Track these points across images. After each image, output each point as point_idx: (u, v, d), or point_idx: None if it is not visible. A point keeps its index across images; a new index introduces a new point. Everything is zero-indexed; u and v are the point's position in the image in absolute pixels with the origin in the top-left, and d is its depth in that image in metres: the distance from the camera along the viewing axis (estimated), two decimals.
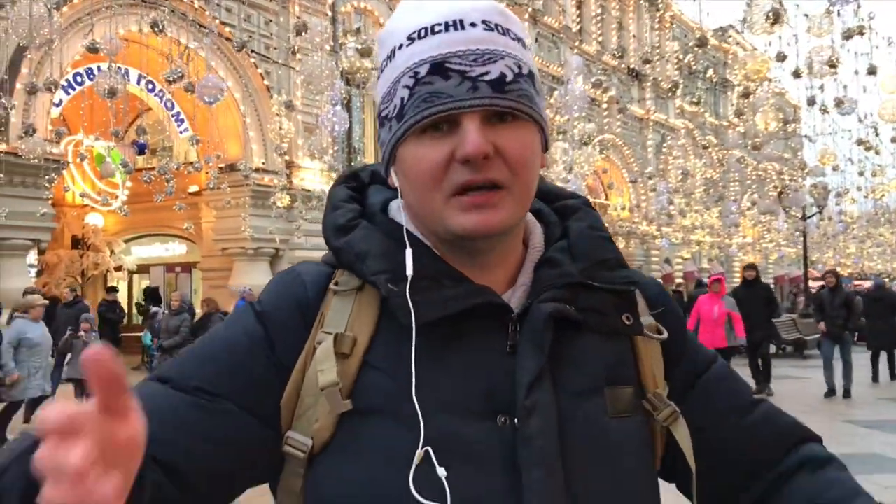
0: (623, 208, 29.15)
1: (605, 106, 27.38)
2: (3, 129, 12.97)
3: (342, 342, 0.91)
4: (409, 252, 0.91)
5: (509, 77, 0.88)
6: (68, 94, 16.70)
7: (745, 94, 12.91)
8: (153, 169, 15.86)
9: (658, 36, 34.29)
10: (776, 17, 8.31)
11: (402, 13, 0.95)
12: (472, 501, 0.84)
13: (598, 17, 31.19)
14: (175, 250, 22.83)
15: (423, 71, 0.88)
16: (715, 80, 35.10)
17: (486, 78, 0.87)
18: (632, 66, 30.69)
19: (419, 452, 0.83)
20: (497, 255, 0.96)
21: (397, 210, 1.00)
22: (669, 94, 18.36)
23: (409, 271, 0.90)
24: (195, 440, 0.86)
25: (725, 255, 38.88)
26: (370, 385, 0.89)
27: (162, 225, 21.42)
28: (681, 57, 31.26)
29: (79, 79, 16.75)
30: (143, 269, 22.81)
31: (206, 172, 15.86)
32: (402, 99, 0.90)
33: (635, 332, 0.98)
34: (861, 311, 12.97)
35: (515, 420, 0.87)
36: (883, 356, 14.02)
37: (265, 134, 18.68)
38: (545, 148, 0.97)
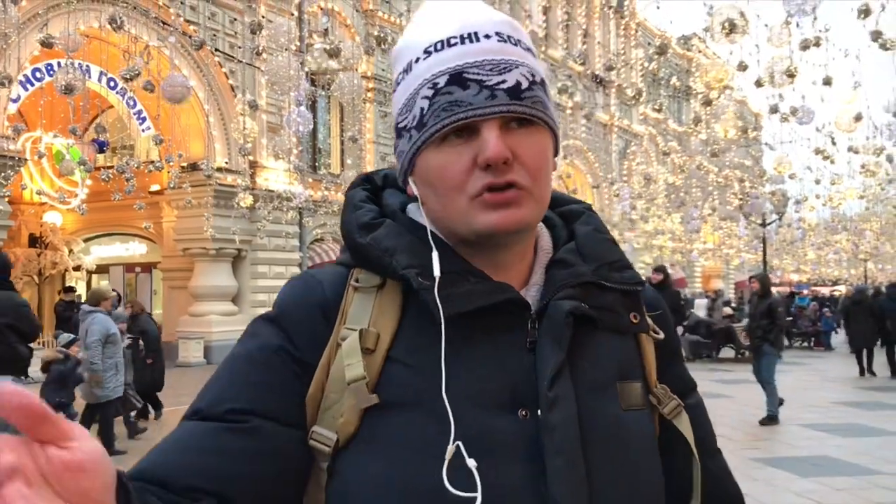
0: None
1: (569, 111, 27.59)
2: None
3: (367, 338, 0.93)
4: (435, 254, 0.94)
5: (524, 84, 0.92)
6: (26, 89, 16.38)
7: (707, 102, 13.09)
8: (113, 167, 15.61)
9: (623, 43, 34.63)
10: (732, 27, 8.46)
11: (417, 28, 0.99)
12: (501, 492, 0.86)
13: (564, 23, 31.43)
14: (135, 250, 22.50)
15: (441, 81, 0.92)
16: (678, 88, 35.54)
17: (503, 86, 0.91)
18: (596, 73, 30.95)
19: (451, 447, 0.85)
20: (514, 256, 1.00)
21: (416, 212, 1.03)
22: (633, 102, 18.56)
23: (436, 265, 0.93)
24: (238, 464, 0.89)
25: (687, 261, 39.37)
26: (395, 380, 0.92)
27: (122, 224, 21.10)
28: (645, 64, 31.61)
29: (38, 74, 16.44)
30: (102, 269, 22.44)
31: (168, 171, 15.67)
32: (422, 109, 0.93)
33: (643, 330, 1.04)
34: (781, 322, 10.83)
35: (538, 412, 0.91)
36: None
37: (229, 133, 18.49)
38: (556, 153, 1.01)
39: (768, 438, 9.21)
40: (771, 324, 10.41)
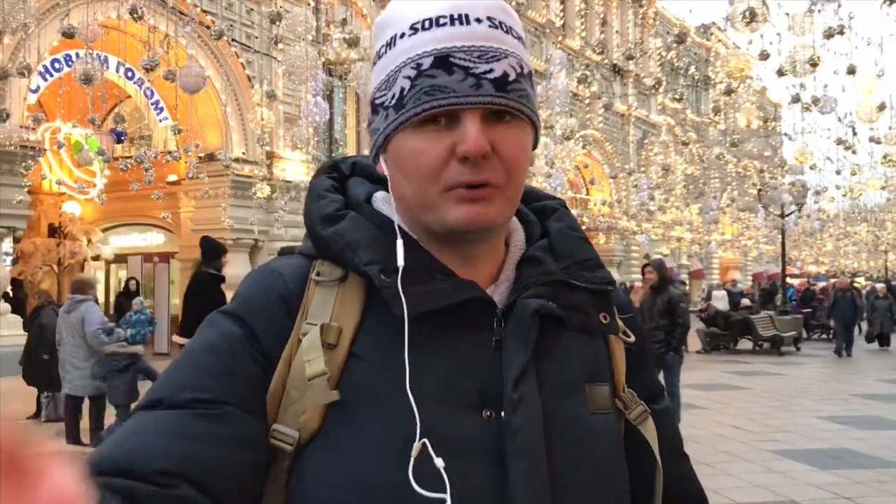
0: (604, 203, 29.22)
1: (587, 101, 27.45)
2: None
3: (329, 332, 0.90)
4: (399, 243, 0.91)
5: (512, 76, 0.89)
6: (46, 80, 16.50)
7: (728, 92, 12.97)
8: (131, 157, 15.70)
9: (641, 32, 34.40)
10: (752, 16, 8.35)
11: (404, 1, 0.94)
12: (464, 493, 0.83)
13: (582, 13, 31.24)
14: (153, 240, 22.64)
15: (426, 63, 0.88)
16: (697, 78, 35.28)
17: (490, 76, 0.87)
18: (614, 62, 30.77)
19: (416, 445, 0.82)
20: (483, 252, 0.97)
21: (381, 202, 1.00)
22: (652, 91, 18.47)
23: (401, 261, 0.89)
24: (212, 448, 0.84)
25: (705, 252, 39.16)
26: (357, 376, 0.89)
27: (140, 214, 21.22)
28: (663, 54, 31.37)
29: (57, 65, 16.55)
30: (120, 258, 22.59)
31: (186, 162, 15.75)
32: (403, 89, 0.89)
33: (612, 332, 1.01)
34: (685, 321, 8.81)
35: (501, 413, 0.88)
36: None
37: (246, 124, 18.56)
38: (534, 146, 0.98)
39: (787, 430, 9.14)
40: (672, 324, 8.55)
